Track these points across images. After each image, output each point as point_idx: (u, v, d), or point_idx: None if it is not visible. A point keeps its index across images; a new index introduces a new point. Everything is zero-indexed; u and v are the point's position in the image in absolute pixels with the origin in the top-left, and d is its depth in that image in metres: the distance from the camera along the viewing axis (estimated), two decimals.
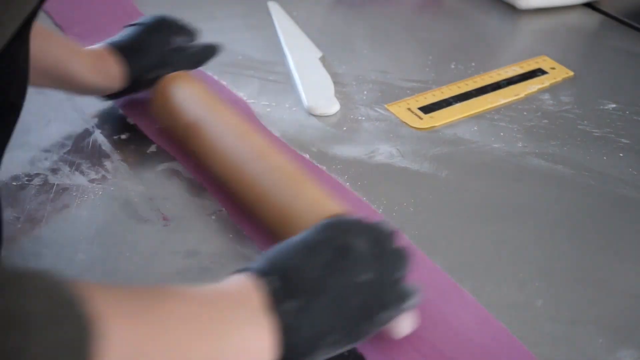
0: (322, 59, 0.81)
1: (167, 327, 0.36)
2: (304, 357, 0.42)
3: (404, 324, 0.47)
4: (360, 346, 0.48)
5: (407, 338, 0.49)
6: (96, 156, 0.65)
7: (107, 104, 0.71)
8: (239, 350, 0.39)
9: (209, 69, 0.78)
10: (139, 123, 0.69)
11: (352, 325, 0.43)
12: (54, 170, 0.63)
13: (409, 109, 0.73)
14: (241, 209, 0.59)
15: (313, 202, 0.53)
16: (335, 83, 0.76)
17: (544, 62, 0.82)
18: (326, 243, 0.44)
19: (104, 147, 0.66)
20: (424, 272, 0.54)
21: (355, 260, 0.44)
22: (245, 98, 0.74)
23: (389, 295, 0.44)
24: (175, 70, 0.67)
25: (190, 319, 0.38)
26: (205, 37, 0.85)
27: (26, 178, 0.62)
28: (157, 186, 0.62)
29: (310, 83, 0.75)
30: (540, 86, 0.77)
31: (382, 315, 0.44)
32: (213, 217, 0.59)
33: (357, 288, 0.43)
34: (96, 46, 0.66)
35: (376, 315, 0.44)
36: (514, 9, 0.93)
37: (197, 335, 0.37)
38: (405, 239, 0.57)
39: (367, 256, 0.44)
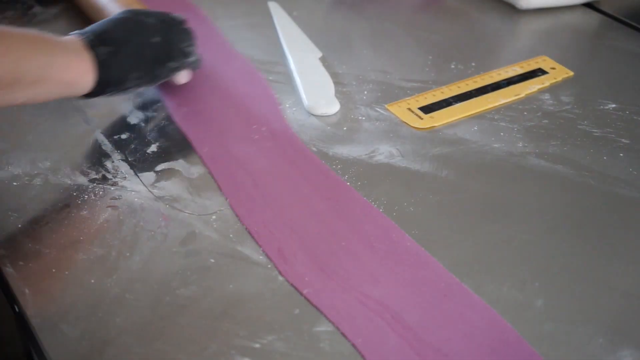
0: (322, 59, 0.81)
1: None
2: (114, 88, 0.64)
3: (184, 75, 0.71)
4: (361, 348, 0.48)
5: (410, 339, 0.49)
6: (96, 156, 0.65)
7: (109, 104, 0.71)
8: (63, 69, 0.59)
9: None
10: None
11: (148, 69, 0.66)
12: (54, 170, 0.63)
13: (409, 109, 0.73)
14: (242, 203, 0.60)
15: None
16: (335, 83, 0.76)
17: (544, 62, 0.82)
18: (126, 18, 0.66)
19: (104, 147, 0.66)
20: (428, 271, 0.54)
21: (148, 28, 0.66)
22: None
23: (175, 53, 0.68)
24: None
25: (19, 39, 0.56)
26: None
27: (26, 178, 0.62)
28: (158, 186, 0.62)
29: (311, 83, 0.75)
30: (540, 86, 0.77)
31: (170, 64, 0.68)
32: (214, 217, 0.59)
33: (150, 45, 0.66)
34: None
35: (166, 64, 0.67)
36: (514, 9, 0.93)
37: (28, 50, 0.57)
38: (408, 239, 0.57)
39: (156, 26, 0.67)
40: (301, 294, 0.52)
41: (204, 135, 0.68)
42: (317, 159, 0.65)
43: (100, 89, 0.63)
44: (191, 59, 0.70)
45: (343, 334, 0.50)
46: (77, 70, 0.60)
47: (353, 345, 0.49)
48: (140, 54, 0.65)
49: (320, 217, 0.59)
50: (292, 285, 0.53)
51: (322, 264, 0.55)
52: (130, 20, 0.66)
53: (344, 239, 0.57)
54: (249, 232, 0.57)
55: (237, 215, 0.59)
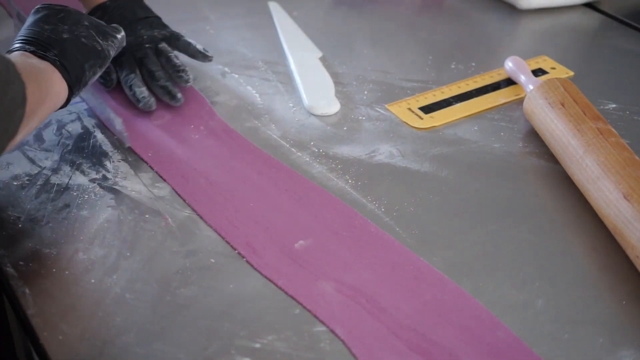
0: (322, 59, 0.81)
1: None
2: (79, 85, 0.61)
3: None
4: (355, 350, 0.48)
5: (386, 321, 0.50)
6: (96, 156, 0.65)
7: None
8: (51, 84, 0.58)
9: (210, 69, 0.78)
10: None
11: (95, 50, 0.63)
12: (55, 170, 0.63)
13: (409, 109, 0.73)
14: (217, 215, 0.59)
15: None
16: (335, 83, 0.76)
17: (544, 62, 0.82)
18: (45, 15, 0.62)
19: (104, 147, 0.66)
20: (395, 255, 0.55)
21: (70, 14, 0.62)
22: (246, 97, 0.74)
23: (102, 26, 0.65)
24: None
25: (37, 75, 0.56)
26: (206, 37, 0.85)
27: (27, 178, 0.62)
28: (158, 186, 0.62)
29: (311, 83, 0.75)
30: None
31: (109, 37, 0.65)
32: None
33: (81, 27, 0.62)
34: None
35: (106, 37, 0.64)
36: (514, 9, 0.93)
37: (44, 83, 0.57)
38: (372, 225, 0.57)
39: (70, 10, 0.63)
40: (276, 285, 0.53)
41: (144, 140, 0.67)
42: (265, 153, 0.66)
43: (71, 91, 0.61)
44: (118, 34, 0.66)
45: (322, 322, 0.50)
46: (58, 81, 0.59)
47: (332, 331, 0.49)
48: (78, 38, 0.62)
49: (281, 209, 0.60)
50: (265, 277, 0.53)
51: (292, 254, 0.55)
52: (49, 15, 0.62)
53: (309, 229, 0.57)
54: (215, 231, 0.58)
55: (198, 215, 0.59)
